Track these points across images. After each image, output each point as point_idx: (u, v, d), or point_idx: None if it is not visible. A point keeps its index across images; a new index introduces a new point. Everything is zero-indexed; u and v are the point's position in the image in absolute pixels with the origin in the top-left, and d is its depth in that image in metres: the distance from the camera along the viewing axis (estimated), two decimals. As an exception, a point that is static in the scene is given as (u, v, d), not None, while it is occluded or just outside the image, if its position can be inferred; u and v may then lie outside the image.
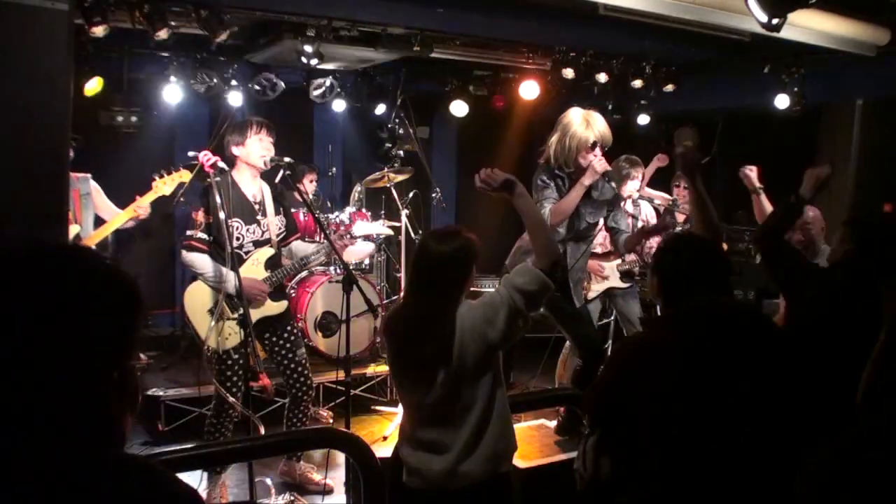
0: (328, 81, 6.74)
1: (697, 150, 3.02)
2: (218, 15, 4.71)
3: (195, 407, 4.72)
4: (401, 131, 7.16)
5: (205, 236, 3.75)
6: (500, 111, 7.64)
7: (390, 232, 4.87)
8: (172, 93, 6.10)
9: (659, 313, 4.35)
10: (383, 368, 5.53)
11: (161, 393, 4.95)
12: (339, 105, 7.14)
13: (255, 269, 3.84)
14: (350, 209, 6.13)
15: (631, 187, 5.02)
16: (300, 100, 6.95)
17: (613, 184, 4.17)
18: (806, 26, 4.59)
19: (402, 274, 5.65)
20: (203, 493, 3.80)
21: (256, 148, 3.79)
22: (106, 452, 0.95)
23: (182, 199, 4.60)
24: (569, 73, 6.20)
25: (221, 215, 3.56)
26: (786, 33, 4.08)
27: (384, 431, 4.88)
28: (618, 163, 5.04)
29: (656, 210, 5.32)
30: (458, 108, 7.48)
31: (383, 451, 3.28)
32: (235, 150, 3.81)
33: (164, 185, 4.34)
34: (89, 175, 4.66)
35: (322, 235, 4.61)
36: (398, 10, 5.06)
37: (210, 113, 6.99)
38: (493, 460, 2.40)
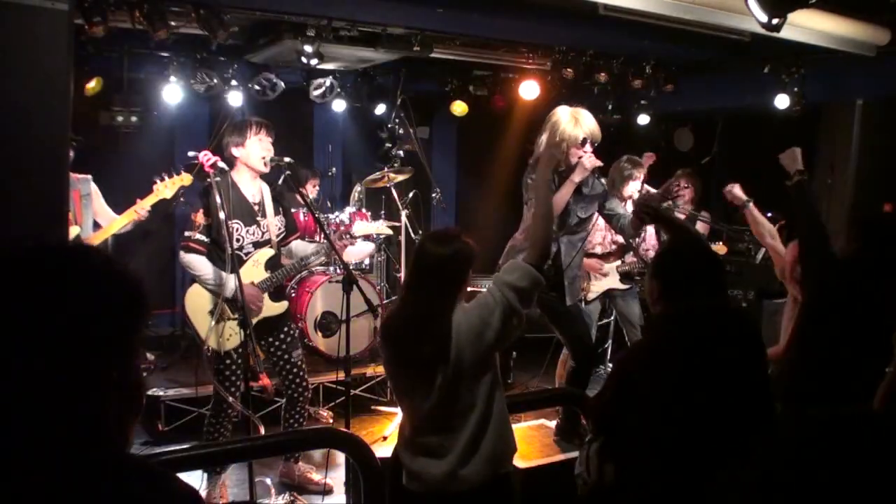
0: (328, 81, 6.74)
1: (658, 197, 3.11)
2: (218, 15, 4.71)
3: (195, 407, 4.72)
4: (401, 131, 7.15)
5: (203, 238, 3.75)
6: (500, 111, 7.64)
7: (390, 232, 4.87)
8: (172, 93, 6.10)
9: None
10: (383, 368, 5.53)
11: (161, 393, 4.96)
12: (339, 105, 7.14)
13: (255, 270, 3.84)
14: (350, 209, 6.13)
15: (632, 188, 5.01)
16: (300, 100, 6.96)
17: (604, 180, 4.16)
18: (806, 26, 4.59)
19: (402, 274, 5.65)
20: (203, 493, 3.80)
21: (256, 149, 3.78)
22: (105, 453, 0.95)
23: (182, 199, 4.60)
24: (569, 73, 6.20)
25: (221, 216, 3.55)
26: (786, 33, 4.08)
27: (384, 431, 4.88)
28: (619, 163, 5.04)
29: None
30: (458, 108, 7.49)
31: (383, 451, 3.28)
32: (235, 151, 3.81)
33: (165, 189, 4.34)
34: (90, 176, 4.66)
35: (322, 235, 4.61)
36: (398, 10, 5.05)
37: (210, 113, 6.99)
38: (493, 462, 2.39)
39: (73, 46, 3.18)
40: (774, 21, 3.55)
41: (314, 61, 5.37)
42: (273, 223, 3.92)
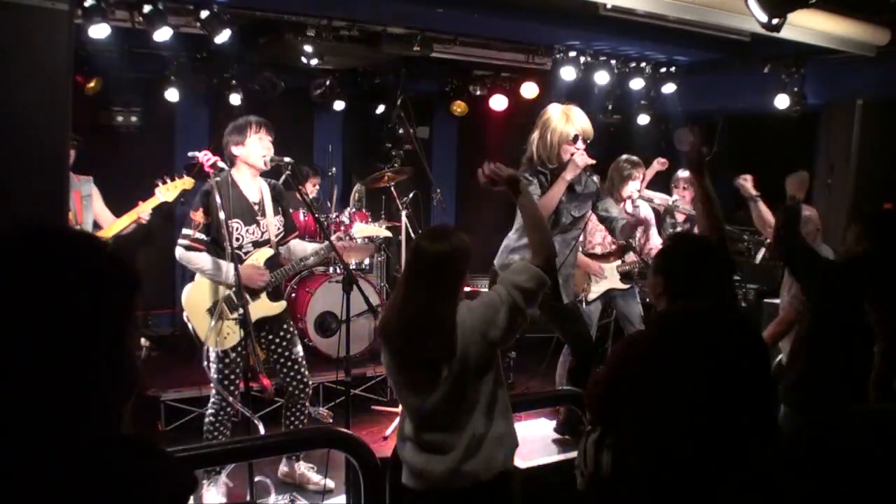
0: (328, 81, 6.74)
1: (703, 147, 2.98)
2: (218, 15, 4.71)
3: (195, 407, 4.72)
4: (401, 131, 7.15)
5: (203, 236, 3.75)
6: (500, 111, 7.64)
7: (389, 234, 4.87)
8: (172, 93, 6.10)
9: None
10: (383, 368, 5.53)
11: (161, 393, 4.95)
12: (339, 105, 7.14)
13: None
14: (350, 209, 6.13)
15: (632, 187, 5.01)
16: (300, 100, 6.96)
17: (596, 177, 4.15)
18: (806, 26, 4.60)
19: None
20: (203, 493, 3.80)
21: (257, 148, 3.78)
22: (97, 430, 0.94)
23: (182, 199, 4.60)
24: (569, 73, 6.20)
25: (221, 215, 3.55)
26: (786, 33, 4.08)
27: (384, 431, 4.88)
28: (618, 163, 5.04)
29: (655, 210, 5.32)
30: (458, 108, 7.49)
31: (383, 451, 3.28)
32: (235, 150, 3.81)
33: (167, 192, 4.34)
34: (91, 177, 4.66)
35: (322, 236, 4.61)
36: (398, 10, 5.06)
37: (210, 113, 6.99)
38: (496, 459, 2.40)
39: (73, 46, 3.18)
40: (774, 21, 3.55)
41: (314, 61, 5.37)
42: (272, 223, 3.92)
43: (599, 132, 7.14)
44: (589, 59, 6.28)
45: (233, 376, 3.81)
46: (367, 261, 6.24)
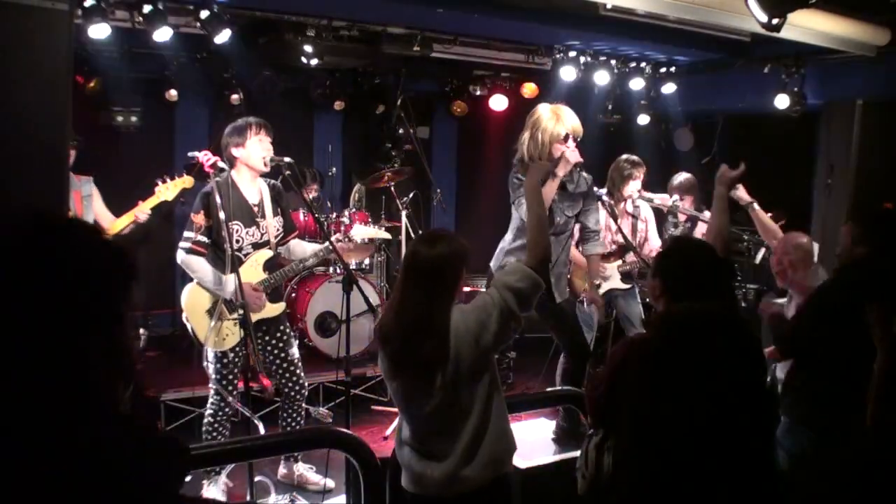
0: (328, 81, 6.74)
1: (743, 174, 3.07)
2: (218, 15, 4.71)
3: (195, 407, 4.72)
4: (401, 131, 7.15)
5: (204, 239, 3.75)
6: (500, 111, 7.64)
7: (388, 236, 4.86)
8: (172, 93, 6.10)
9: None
10: (381, 372, 5.53)
11: (161, 393, 4.95)
12: (339, 105, 7.14)
13: (253, 271, 3.84)
14: (350, 209, 6.13)
15: (632, 187, 5.02)
16: (300, 100, 6.95)
17: (587, 175, 4.15)
18: (806, 26, 4.59)
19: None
20: (203, 493, 3.80)
21: (257, 149, 3.78)
22: (94, 413, 0.94)
23: (182, 199, 4.60)
24: (569, 73, 6.20)
25: (222, 216, 3.55)
26: (786, 33, 4.08)
27: (384, 431, 4.88)
28: (619, 163, 5.04)
29: (655, 211, 5.32)
30: (458, 108, 7.48)
31: (383, 451, 3.28)
32: (235, 152, 3.80)
33: (167, 191, 4.34)
34: (91, 178, 4.66)
35: (322, 236, 4.61)
36: (398, 10, 5.05)
37: (210, 113, 6.99)
38: (493, 463, 2.39)
39: (73, 46, 3.17)
40: (774, 21, 3.55)
41: (314, 61, 5.37)
42: (272, 224, 3.92)
43: (599, 132, 7.16)
44: (589, 59, 6.28)
45: (231, 376, 3.81)
46: (367, 261, 6.24)
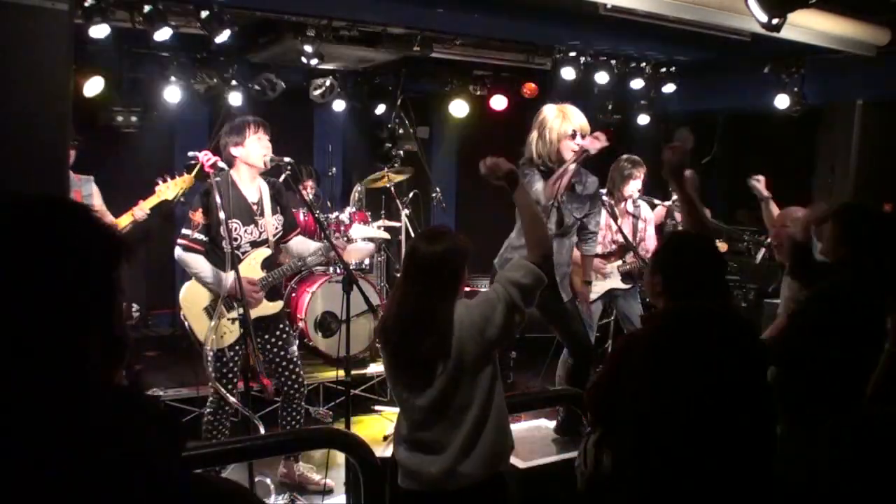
0: (328, 81, 6.74)
1: (688, 152, 2.99)
2: (218, 15, 4.71)
3: (195, 407, 4.71)
4: (401, 131, 7.16)
5: (202, 237, 3.75)
6: (500, 111, 7.64)
7: (387, 236, 4.87)
8: (172, 93, 6.10)
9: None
10: (383, 368, 5.53)
11: (161, 393, 4.96)
12: (339, 105, 7.14)
13: (251, 269, 3.84)
14: (350, 209, 6.13)
15: (632, 187, 5.02)
16: (300, 100, 6.95)
17: (594, 178, 4.15)
18: (806, 26, 4.60)
19: (402, 274, 5.64)
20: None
21: (256, 148, 3.78)
22: (86, 394, 0.94)
23: (182, 198, 4.60)
24: (569, 73, 6.20)
25: (221, 215, 3.55)
26: (786, 33, 4.08)
27: (384, 431, 4.88)
28: (619, 163, 5.04)
29: (655, 210, 5.32)
30: (458, 108, 7.49)
31: (383, 451, 3.27)
32: (234, 151, 3.80)
33: (168, 190, 4.34)
34: (91, 177, 4.66)
35: (322, 236, 4.61)
36: (398, 10, 5.06)
37: (210, 113, 6.99)
38: (491, 460, 2.39)
39: (73, 46, 3.18)
40: (774, 21, 3.55)
41: (314, 61, 5.37)
42: (271, 222, 3.92)
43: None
44: (589, 59, 6.28)
45: (230, 375, 3.81)
46: (367, 261, 6.24)
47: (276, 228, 3.96)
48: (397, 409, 2.55)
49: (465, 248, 2.40)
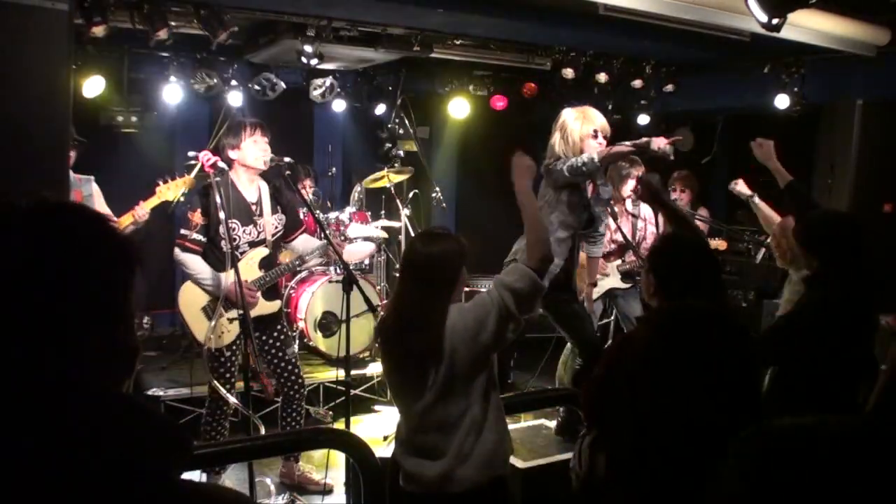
0: (328, 81, 6.74)
1: (657, 182, 3.11)
2: (218, 15, 4.71)
3: (195, 407, 4.72)
4: (401, 131, 7.15)
5: (200, 237, 3.75)
6: (500, 111, 7.64)
7: (385, 235, 4.86)
8: (172, 93, 6.10)
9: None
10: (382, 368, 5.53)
11: (161, 393, 4.96)
12: (339, 105, 7.14)
13: (249, 268, 3.84)
14: (350, 209, 6.13)
15: (631, 186, 5.02)
16: (300, 100, 6.95)
17: (610, 186, 4.21)
18: (806, 26, 4.59)
19: (402, 274, 5.64)
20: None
21: (252, 150, 3.79)
22: (92, 403, 0.93)
23: (182, 198, 4.59)
24: (569, 73, 6.20)
25: (221, 215, 3.56)
26: (786, 33, 4.08)
27: (384, 431, 4.88)
28: (618, 163, 5.04)
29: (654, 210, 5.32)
30: (458, 108, 7.48)
31: (383, 451, 3.28)
32: (231, 154, 3.82)
33: (168, 191, 4.34)
34: (92, 177, 4.66)
35: (322, 235, 4.61)
36: (398, 10, 5.05)
37: (210, 113, 6.99)
38: (489, 464, 2.38)
39: (73, 46, 3.18)
40: (774, 21, 3.55)
41: (314, 61, 5.37)
42: (270, 222, 3.92)
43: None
44: (589, 59, 6.28)
45: (228, 374, 3.81)
46: (366, 261, 6.25)
47: (276, 228, 3.96)
48: (396, 406, 2.55)
49: (462, 249, 2.38)
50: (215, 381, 3.78)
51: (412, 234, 5.63)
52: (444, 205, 6.72)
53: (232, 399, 3.76)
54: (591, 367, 4.11)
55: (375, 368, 5.62)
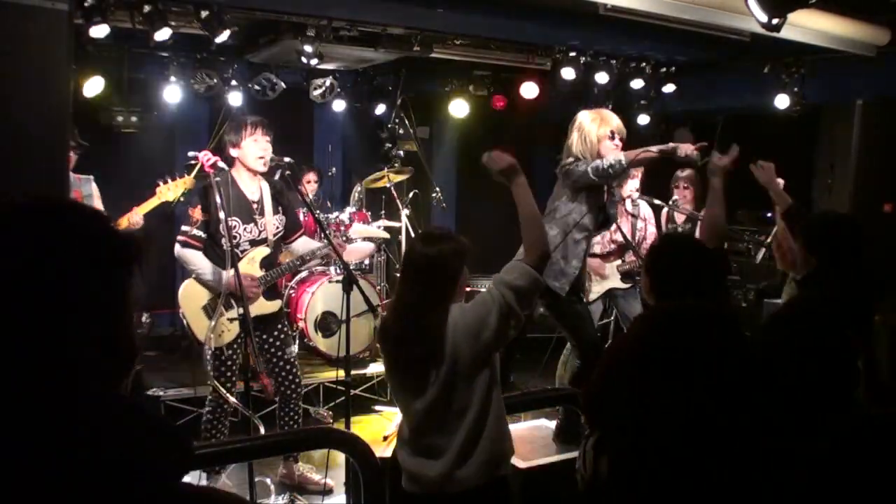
0: (328, 81, 6.74)
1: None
2: (218, 15, 4.71)
3: (195, 407, 4.72)
4: (401, 131, 7.15)
5: (200, 233, 3.76)
6: (500, 111, 7.63)
7: (386, 235, 4.85)
8: (172, 93, 6.10)
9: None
10: (383, 368, 5.53)
11: (161, 393, 4.96)
12: (339, 105, 7.14)
13: (250, 267, 3.85)
14: (350, 209, 6.13)
15: (630, 186, 5.02)
16: (300, 100, 6.95)
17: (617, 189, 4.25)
18: (806, 26, 4.59)
19: (402, 274, 5.64)
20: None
21: (252, 149, 3.79)
22: (90, 404, 0.93)
23: (182, 198, 4.59)
24: (569, 73, 6.20)
25: (221, 214, 3.56)
26: (786, 33, 4.08)
27: (384, 431, 4.88)
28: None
29: (655, 210, 5.32)
30: (458, 108, 7.48)
31: (383, 451, 3.27)
32: (233, 152, 3.82)
33: (168, 191, 4.33)
34: (91, 177, 4.66)
35: (322, 236, 4.61)
36: (398, 10, 5.05)
37: (210, 113, 6.99)
38: (490, 464, 2.38)
39: (73, 46, 3.18)
40: (774, 21, 3.55)
41: (314, 61, 5.37)
42: (271, 222, 3.92)
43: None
44: (589, 59, 6.28)
45: (229, 373, 3.82)
46: (367, 261, 6.24)
47: (277, 228, 3.96)
48: (397, 409, 2.55)
49: (463, 250, 2.37)
50: (215, 381, 3.78)
51: (412, 235, 5.63)
52: (444, 205, 6.72)
53: (232, 399, 3.76)
54: (590, 367, 4.11)
55: (375, 368, 5.62)
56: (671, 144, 3.72)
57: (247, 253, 3.84)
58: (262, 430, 3.44)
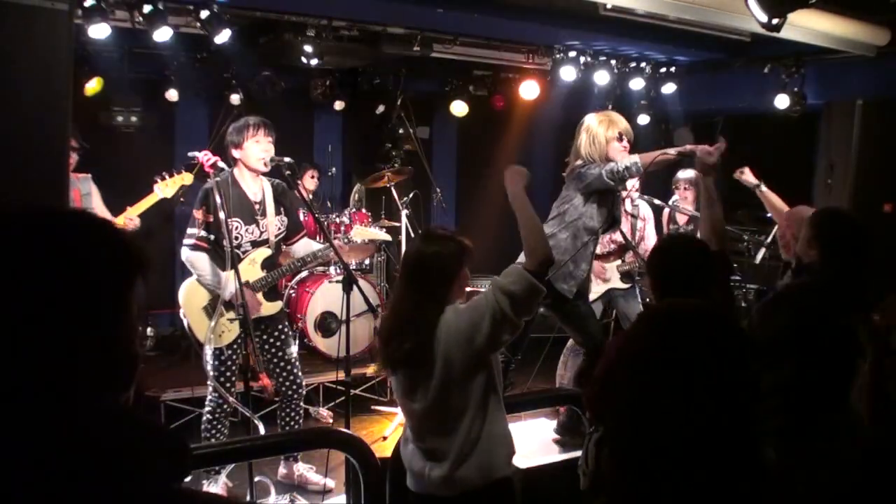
0: (328, 81, 6.74)
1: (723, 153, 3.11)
2: (218, 15, 4.71)
3: (195, 407, 4.72)
4: (401, 131, 7.15)
5: (206, 234, 3.76)
6: (500, 111, 7.64)
7: (388, 237, 4.84)
8: (172, 93, 6.10)
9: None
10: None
11: (161, 393, 4.95)
12: (339, 105, 7.14)
13: (251, 268, 3.85)
14: (350, 209, 6.12)
15: (629, 185, 5.02)
16: (300, 100, 6.95)
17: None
18: (806, 26, 4.60)
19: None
20: (203, 493, 3.80)
21: (254, 150, 3.78)
22: (87, 416, 0.92)
23: (182, 199, 4.60)
24: (569, 73, 6.20)
25: (221, 215, 3.56)
26: (786, 33, 4.08)
27: (384, 431, 4.88)
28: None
29: (654, 209, 5.32)
30: (458, 108, 7.48)
31: (383, 451, 3.27)
32: (235, 153, 3.82)
33: (166, 188, 4.34)
34: (90, 175, 4.66)
35: (322, 236, 4.61)
36: (398, 10, 5.05)
37: (210, 113, 6.99)
38: (490, 466, 2.37)
39: (73, 46, 3.18)
40: (774, 21, 3.55)
41: (314, 61, 5.37)
42: (273, 223, 3.92)
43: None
44: (589, 59, 6.28)
45: (229, 374, 3.82)
46: (367, 261, 6.25)
47: (279, 229, 3.96)
48: (397, 409, 2.56)
49: (462, 250, 2.35)
50: (215, 381, 3.78)
51: (412, 235, 5.63)
52: (444, 205, 6.72)
53: (232, 399, 3.76)
54: (594, 365, 4.12)
55: (375, 369, 5.61)
56: (689, 146, 3.71)
57: (248, 254, 3.84)
58: (262, 430, 3.44)
